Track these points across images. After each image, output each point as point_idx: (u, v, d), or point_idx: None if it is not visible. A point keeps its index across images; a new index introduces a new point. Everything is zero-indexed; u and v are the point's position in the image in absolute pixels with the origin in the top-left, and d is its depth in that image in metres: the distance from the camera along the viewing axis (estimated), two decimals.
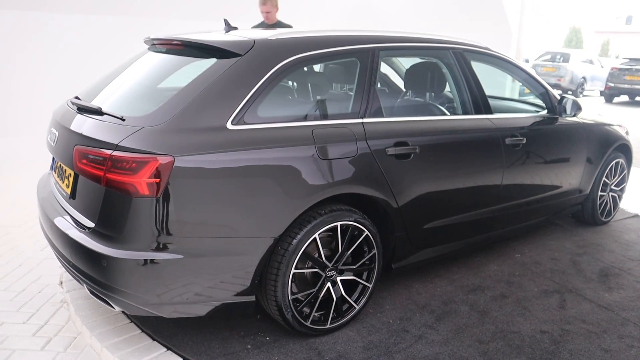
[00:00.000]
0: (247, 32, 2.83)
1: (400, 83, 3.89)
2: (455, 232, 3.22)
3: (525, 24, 8.00)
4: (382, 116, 2.77)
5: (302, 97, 2.88)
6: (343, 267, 2.67)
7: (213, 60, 2.52)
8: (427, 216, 2.99)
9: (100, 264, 2.22)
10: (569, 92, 18.87)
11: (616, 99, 18.26)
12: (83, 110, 2.52)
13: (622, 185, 4.55)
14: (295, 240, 2.43)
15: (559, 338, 2.73)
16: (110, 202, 2.22)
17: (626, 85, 17.38)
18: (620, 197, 4.58)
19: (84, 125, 2.41)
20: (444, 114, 3.19)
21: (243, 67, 2.44)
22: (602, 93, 18.68)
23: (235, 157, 2.27)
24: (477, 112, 3.20)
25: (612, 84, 17.65)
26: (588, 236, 4.23)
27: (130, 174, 2.13)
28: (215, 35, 2.81)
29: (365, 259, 2.73)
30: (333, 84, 3.23)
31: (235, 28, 3.01)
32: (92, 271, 2.27)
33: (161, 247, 2.20)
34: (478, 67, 3.54)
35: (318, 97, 2.84)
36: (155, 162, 2.13)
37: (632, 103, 17.73)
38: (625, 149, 4.46)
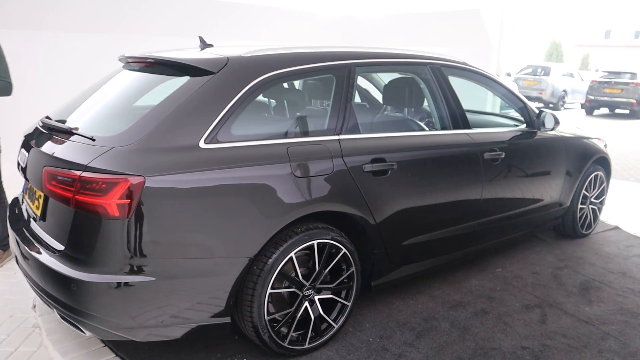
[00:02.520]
0: (222, 49, 2.81)
1: (379, 99, 3.89)
2: (435, 248, 3.20)
3: (505, 38, 8.09)
4: (359, 132, 2.75)
5: (277, 115, 2.86)
6: (321, 286, 2.63)
7: (186, 78, 2.50)
8: (406, 233, 2.97)
9: (70, 288, 2.16)
10: (550, 105, 19.13)
11: (596, 112, 18.52)
12: (53, 130, 2.48)
13: (602, 198, 4.58)
14: (270, 260, 2.39)
15: (540, 354, 2.70)
16: (80, 224, 2.17)
17: (606, 98, 17.65)
18: (600, 209, 4.60)
19: (54, 145, 2.36)
20: (422, 130, 3.19)
21: (216, 85, 2.41)
22: (582, 106, 18.95)
23: (208, 176, 2.24)
24: (455, 127, 3.20)
25: (592, 97, 17.91)
26: (569, 249, 4.23)
27: (100, 195, 2.08)
28: (189, 52, 2.79)
29: (343, 277, 2.70)
30: (309, 101, 3.21)
31: (211, 45, 2.99)
32: (62, 295, 2.21)
33: (135, 270, 2.16)
34: (459, 82, 3.56)
35: (293, 114, 2.82)
36: (125, 182, 2.08)
37: (612, 115, 18.00)
38: (604, 162, 4.49)
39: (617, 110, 18.08)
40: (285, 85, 2.91)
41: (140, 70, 2.84)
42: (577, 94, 19.91)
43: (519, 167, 3.62)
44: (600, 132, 12.26)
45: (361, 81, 3.93)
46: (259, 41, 7.10)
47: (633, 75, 17.76)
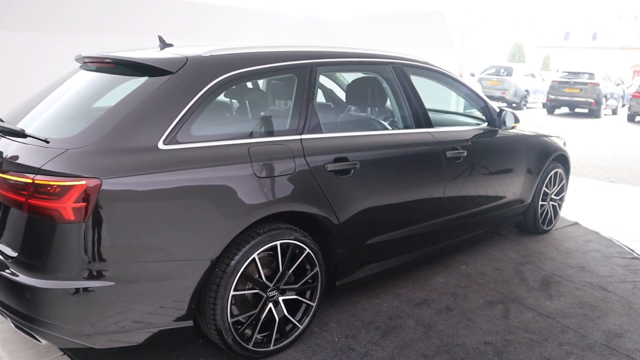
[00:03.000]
0: (181, 49, 2.76)
1: (343, 99, 3.89)
2: (399, 247, 3.22)
3: (468, 39, 8.22)
4: (321, 132, 2.74)
5: (238, 115, 2.83)
6: (285, 287, 2.61)
7: (144, 79, 2.45)
8: (370, 232, 2.97)
9: (24, 295, 2.09)
10: (513, 105, 19.53)
11: (557, 111, 19.01)
12: (5, 132, 2.39)
13: (562, 195, 4.69)
14: (233, 262, 2.36)
15: (502, 349, 2.75)
16: (34, 229, 2.11)
17: (566, 98, 18.14)
18: (560, 205, 4.71)
19: (5, 148, 2.28)
20: (385, 129, 3.21)
21: (175, 84, 2.38)
22: (544, 105, 19.43)
23: (167, 177, 2.20)
24: (417, 126, 3.23)
25: (553, 97, 18.39)
26: (530, 245, 4.32)
27: (54, 199, 2.02)
28: (148, 52, 2.74)
29: (307, 277, 2.68)
30: (271, 101, 3.19)
31: (170, 45, 2.94)
32: (15, 304, 2.14)
33: (94, 275, 2.10)
34: (423, 82, 3.59)
35: (255, 114, 2.80)
36: (81, 185, 2.03)
37: (572, 114, 18.51)
38: (563, 159, 4.59)
39: (577, 110, 18.60)
40: (247, 85, 2.88)
41: (97, 70, 2.77)
42: (539, 93, 20.43)
43: (481, 165, 3.67)
44: (560, 130, 12.60)
45: (325, 81, 3.94)
46: (223, 42, 7.04)
47: (591, 75, 18.31)
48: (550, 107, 18.75)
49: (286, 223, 2.58)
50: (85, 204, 2.03)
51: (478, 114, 4.04)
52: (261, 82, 3.31)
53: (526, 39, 53.94)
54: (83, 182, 2.03)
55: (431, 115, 3.41)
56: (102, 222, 2.08)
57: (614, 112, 19.55)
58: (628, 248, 4.36)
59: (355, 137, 2.90)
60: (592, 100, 17.65)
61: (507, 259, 4.00)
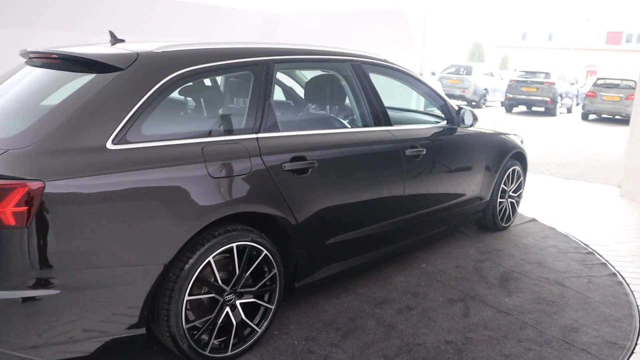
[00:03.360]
0: (133, 44, 2.66)
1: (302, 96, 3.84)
2: (359, 246, 3.19)
3: (428, 38, 8.29)
4: (278, 130, 2.68)
5: (192, 113, 2.74)
6: (242, 290, 2.54)
7: (93, 75, 2.34)
8: (329, 232, 2.93)
9: None
10: (473, 103, 19.88)
11: (515, 109, 19.43)
12: None
13: (520, 191, 4.76)
14: (187, 266, 2.28)
15: (462, 347, 2.74)
16: None
17: (523, 96, 18.58)
18: (518, 202, 4.78)
19: None
20: (344, 127, 3.17)
21: (124, 81, 2.28)
22: (502, 104, 19.84)
23: (117, 179, 2.10)
24: (376, 124, 3.20)
25: (511, 95, 18.80)
26: (490, 242, 4.36)
27: None
28: (98, 48, 2.62)
29: (265, 279, 2.62)
30: (227, 99, 3.10)
31: (122, 40, 2.83)
32: None
33: (40, 283, 1.99)
34: (385, 79, 3.57)
35: (210, 113, 2.72)
36: (22, 188, 1.91)
37: (529, 113, 18.97)
38: (520, 157, 4.66)
39: (534, 108, 19.07)
40: (201, 82, 2.80)
41: (43, 66, 2.64)
42: (498, 92, 20.86)
43: (441, 163, 3.68)
44: (518, 128, 12.86)
45: (285, 79, 3.88)
46: (181, 39, 6.90)
47: (547, 74, 18.80)
48: (509, 105, 19.17)
49: (243, 224, 2.51)
50: (27, 207, 1.91)
51: (438, 112, 4.05)
52: (218, 80, 3.22)
53: (485, 39, 55.07)
54: (25, 185, 1.91)
55: (391, 113, 3.39)
56: (46, 227, 1.96)
57: (569, 110, 20.14)
58: (583, 243, 4.45)
59: (313, 136, 2.85)
60: (548, 99, 18.13)
61: (467, 256, 4.02)
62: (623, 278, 3.75)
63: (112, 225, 2.10)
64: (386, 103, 3.37)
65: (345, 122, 3.20)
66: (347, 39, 8.29)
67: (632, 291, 3.54)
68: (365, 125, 3.19)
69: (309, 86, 3.40)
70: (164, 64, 2.41)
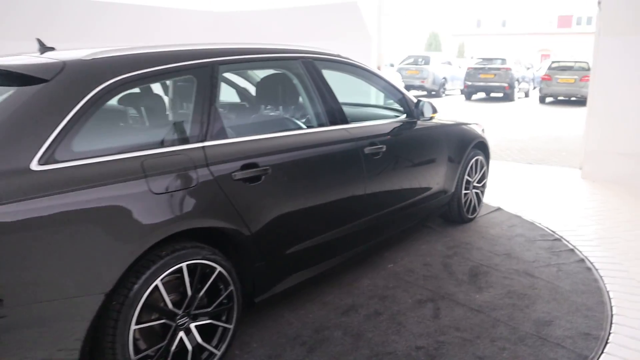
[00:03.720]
0: (63, 52, 2.42)
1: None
2: (322, 253, 3.03)
3: (383, 29, 8.17)
4: (226, 137, 2.49)
5: (130, 124, 2.51)
6: (197, 312, 2.34)
7: (14, 89, 2.11)
8: (289, 241, 2.76)
9: None
10: (433, 93, 19.99)
11: (474, 97, 19.62)
12: None
13: (484, 181, 4.68)
14: (132, 292, 2.07)
15: (435, 352, 2.62)
16: None
17: (481, 83, 18.77)
18: (482, 192, 4.71)
19: None
20: (298, 128, 2.99)
21: (50, 94, 2.05)
22: (462, 91, 20.01)
23: (45, 203, 1.87)
24: (332, 123, 3.04)
25: (469, 83, 18.97)
26: (457, 235, 4.27)
27: None
28: (21, 58, 2.38)
29: (221, 298, 2.43)
30: (168, 106, 2.87)
31: (52, 48, 2.59)
32: None
33: None
34: (341, 75, 3.42)
35: (150, 123, 2.51)
36: None
37: (488, 99, 19.18)
38: (482, 146, 4.58)
39: (492, 94, 19.28)
40: (139, 90, 2.58)
41: None
42: (456, 80, 21.03)
43: (402, 159, 3.55)
44: (478, 115, 12.92)
45: (239, 80, 3.68)
46: (128, 43, 6.61)
47: (503, 61, 19.04)
48: (468, 93, 19.34)
49: (193, 241, 2.32)
50: None
51: (397, 106, 3.92)
52: (157, 87, 2.99)
53: (441, 28, 55.65)
54: None
55: (348, 109, 3.24)
56: None
57: (527, 94, 20.46)
58: (549, 230, 4.41)
59: (265, 140, 2.66)
60: (506, 85, 18.36)
61: (435, 252, 3.91)
62: (591, 263, 3.70)
63: (42, 255, 1.88)
64: (344, 99, 3.22)
65: (300, 123, 3.02)
66: (300, 35, 8.11)
67: (601, 277, 3.49)
68: (320, 125, 3.03)
69: (259, 87, 3.22)
70: (95, 73, 2.19)
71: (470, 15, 57.85)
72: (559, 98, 17.57)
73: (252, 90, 3.71)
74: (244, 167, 2.45)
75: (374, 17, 7.80)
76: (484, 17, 57.31)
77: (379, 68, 8.09)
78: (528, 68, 21.87)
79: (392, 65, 21.26)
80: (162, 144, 2.29)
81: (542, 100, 17.82)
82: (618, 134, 5.95)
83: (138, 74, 2.28)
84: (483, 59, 19.99)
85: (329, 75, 3.45)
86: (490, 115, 14.11)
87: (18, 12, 6.20)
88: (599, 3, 6.00)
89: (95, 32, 7.40)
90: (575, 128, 10.98)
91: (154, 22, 8.27)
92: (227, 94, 3.59)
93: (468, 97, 19.41)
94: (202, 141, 2.37)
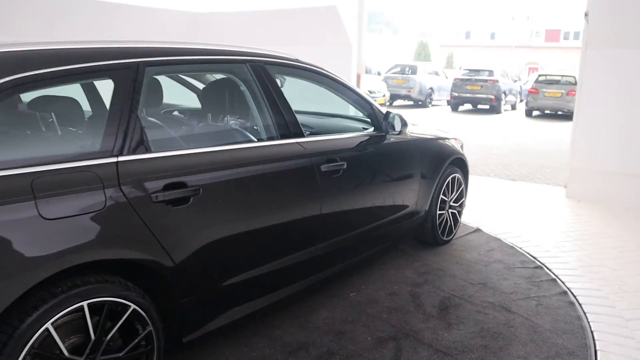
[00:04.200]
0: None
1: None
2: (269, 283, 2.64)
3: (364, 36, 7.84)
4: (149, 151, 2.11)
5: (21, 135, 2.09)
6: (104, 358, 1.95)
7: None
8: (226, 271, 2.37)
9: None
10: (419, 103, 19.73)
11: (461, 108, 19.39)
12: None
13: (461, 201, 4.33)
14: (12, 339, 1.68)
15: None
16: None
17: (468, 95, 18.54)
18: (460, 212, 4.36)
19: None
20: (241, 142, 2.60)
21: None
22: (448, 102, 19.78)
23: None
24: (283, 137, 2.67)
25: (456, 94, 18.74)
26: (430, 259, 3.91)
27: None
28: None
29: (138, 339, 2.04)
30: (75, 114, 2.38)
31: None
32: None
33: None
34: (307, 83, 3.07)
35: (47, 133, 2.11)
36: None
37: (475, 111, 18.95)
38: (460, 163, 4.24)
39: (479, 106, 19.06)
40: (39, 94, 2.18)
41: None
42: (443, 91, 20.79)
43: (367, 177, 3.19)
44: (464, 127, 12.65)
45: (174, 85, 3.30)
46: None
47: (490, 72, 18.84)
48: (454, 104, 19.11)
49: (101, 275, 1.93)
50: None
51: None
52: (63, 90, 2.53)
53: (431, 38, 55.73)
54: None
55: (308, 120, 2.89)
56: None
57: (513, 107, 20.27)
58: (530, 255, 4.07)
59: (197, 155, 2.27)
60: (493, 97, 18.15)
61: (404, 279, 3.55)
62: (574, 297, 3.36)
63: None
64: (307, 109, 2.85)
65: (245, 136, 2.65)
66: (277, 39, 7.77)
67: (584, 313, 3.14)
68: (270, 139, 2.65)
69: (203, 94, 2.84)
70: None
71: (459, 26, 58.02)
72: (546, 112, 17.37)
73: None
74: (168, 187, 2.07)
75: (355, 22, 7.47)
76: (473, 28, 57.49)
77: (359, 76, 7.76)
78: (515, 81, 21.72)
79: (379, 74, 21.00)
80: (60, 158, 1.89)
81: (528, 113, 17.62)
82: (604, 152, 5.65)
83: (37, 74, 1.89)
84: (470, 70, 19.78)
85: (297, 83, 3.11)
86: (475, 127, 13.85)
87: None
88: (586, 15, 5.72)
89: (64, 29, 7.01)
90: (561, 143, 10.73)
91: (129, 20, 7.89)
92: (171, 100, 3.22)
93: (454, 109, 19.17)
94: (116, 155, 1.99)
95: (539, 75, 18.17)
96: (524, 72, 40.02)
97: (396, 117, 3.39)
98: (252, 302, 2.56)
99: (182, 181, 2.11)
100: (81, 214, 1.83)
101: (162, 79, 2.90)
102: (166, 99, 3.20)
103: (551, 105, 16.86)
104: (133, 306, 1.98)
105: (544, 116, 17.43)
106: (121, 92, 2.08)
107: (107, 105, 2.07)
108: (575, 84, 16.03)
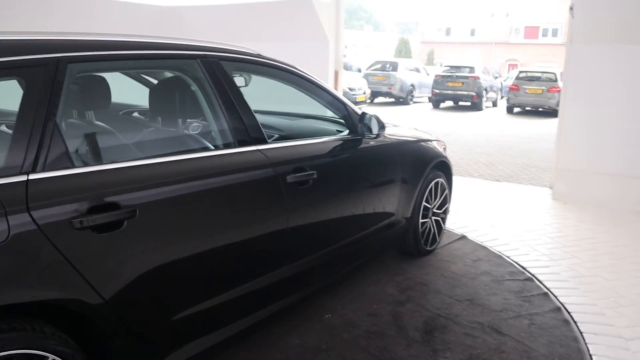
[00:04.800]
0: None
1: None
2: (230, 312, 2.29)
3: (342, 31, 7.50)
4: (71, 166, 1.74)
5: None
6: None
7: None
8: (174, 304, 2.02)
9: None
10: (400, 100, 19.48)
11: (442, 105, 19.18)
12: None
13: (445, 207, 4.02)
14: None
15: None
16: None
17: (449, 91, 18.33)
18: (444, 220, 4.05)
19: None
20: (190, 152, 2.23)
21: None
22: (430, 99, 19.56)
23: None
24: (241, 143, 2.31)
25: (437, 91, 18.51)
26: (412, 272, 3.59)
27: None
28: None
29: None
30: None
31: None
32: None
33: None
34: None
35: None
36: None
37: (456, 108, 18.75)
38: (444, 167, 3.93)
39: (461, 103, 18.86)
40: None
41: None
42: (424, 88, 20.57)
43: (341, 187, 2.86)
44: (446, 125, 12.42)
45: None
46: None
47: (471, 69, 18.66)
48: (436, 101, 18.89)
49: (7, 321, 1.56)
50: None
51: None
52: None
53: (411, 35, 55.63)
54: None
55: (277, 123, 2.53)
56: None
57: (494, 104, 20.13)
58: (519, 266, 3.77)
59: (133, 169, 1.90)
60: (474, 93, 17.97)
61: (384, 297, 3.22)
62: (569, 313, 3.07)
63: None
64: (276, 110, 2.50)
65: (198, 144, 2.28)
66: (250, 34, 7.40)
67: (581, 333, 2.86)
68: (226, 146, 2.30)
69: (150, 96, 2.45)
70: None
71: (440, 23, 57.97)
72: (527, 108, 17.23)
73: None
74: (94, 211, 1.70)
75: (332, 17, 7.12)
76: (453, 25, 57.48)
77: (337, 72, 7.41)
78: (496, 77, 21.58)
79: (359, 71, 20.69)
80: None
81: (509, 110, 17.47)
82: (593, 151, 5.40)
83: None
84: (451, 66, 19.58)
85: (265, 82, 2.76)
86: (457, 125, 13.61)
87: None
88: (571, 9, 5.46)
89: (22, 22, 6.54)
90: (542, 141, 10.54)
91: (96, 13, 7.45)
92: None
93: (436, 106, 18.94)
94: (25, 173, 1.61)
95: (520, 72, 18.02)
96: (504, 69, 40.08)
97: (373, 118, 3.05)
98: (209, 335, 2.21)
99: (114, 202, 1.75)
100: None
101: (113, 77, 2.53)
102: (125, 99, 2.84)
103: (532, 102, 16.72)
104: (51, 357, 1.62)
105: (525, 113, 17.28)
106: (34, 94, 1.70)
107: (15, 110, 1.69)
108: (556, 80, 15.93)
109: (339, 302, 3.14)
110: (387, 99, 20.26)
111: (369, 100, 17.84)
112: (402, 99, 19.62)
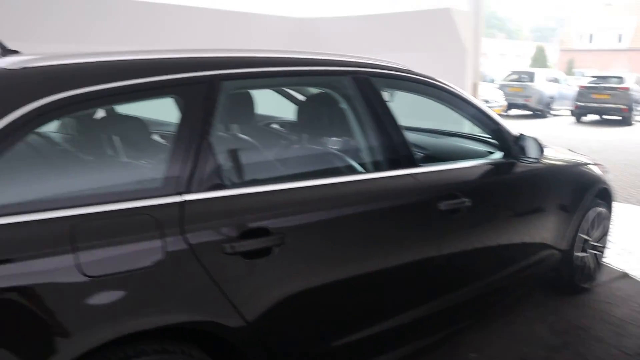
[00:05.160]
0: (24, 57, 1.74)
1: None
2: (373, 346, 2.11)
3: (481, 41, 7.11)
4: (222, 187, 1.68)
5: (61, 167, 1.72)
6: None
7: None
8: (318, 335, 1.90)
9: None
10: (537, 112, 18.26)
11: (585, 119, 17.64)
12: None
13: (604, 239, 3.54)
14: None
15: None
16: None
17: (594, 104, 16.77)
18: (602, 253, 3.56)
19: None
20: (341, 174, 2.10)
21: None
22: (572, 112, 18.09)
23: None
24: (393, 166, 2.14)
25: (580, 103, 17.02)
26: (566, 313, 3.18)
27: None
28: None
29: None
30: (128, 138, 1.90)
31: (16, 52, 1.95)
32: None
33: None
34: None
35: (97, 165, 1.74)
36: None
37: (601, 122, 17.12)
38: (605, 194, 3.46)
39: (606, 117, 17.22)
40: (88, 114, 1.83)
41: None
42: (564, 99, 19.03)
43: (494, 217, 2.58)
44: (591, 140, 11.30)
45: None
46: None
47: (620, 79, 16.95)
48: (578, 114, 17.39)
49: (160, 342, 1.52)
50: None
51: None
52: (119, 109, 2.12)
53: (548, 43, 52.33)
54: None
55: (422, 141, 2.34)
56: None
57: None
58: None
59: (283, 193, 1.79)
60: (623, 107, 16.26)
61: (536, 338, 2.87)
62: None
63: None
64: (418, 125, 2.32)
65: (347, 166, 2.14)
66: (385, 45, 7.25)
67: None
68: (376, 169, 2.14)
69: (298, 114, 2.37)
70: (24, 87, 1.48)
71: (581, 28, 53.89)
72: None
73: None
74: (245, 236, 1.62)
75: (471, 27, 6.77)
76: (596, 31, 53.13)
77: (475, 85, 7.03)
78: None
79: (492, 81, 19.74)
80: (109, 197, 1.49)
81: None
82: None
83: (89, 93, 1.53)
84: (597, 77, 17.93)
85: (405, 96, 2.59)
86: (604, 141, 12.38)
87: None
88: None
89: (162, 35, 6.94)
90: None
91: (234, 27, 7.75)
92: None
93: (578, 119, 17.45)
94: (181, 193, 1.57)
95: None
96: None
97: (530, 140, 2.73)
98: None
99: (263, 227, 1.67)
100: (130, 271, 1.43)
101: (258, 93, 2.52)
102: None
103: None
104: None
105: None
106: (192, 113, 1.67)
107: (171, 129, 1.67)
108: None
109: (485, 340, 2.84)
110: (523, 112, 19.07)
111: (504, 113, 16.91)
112: (540, 112, 18.33)
